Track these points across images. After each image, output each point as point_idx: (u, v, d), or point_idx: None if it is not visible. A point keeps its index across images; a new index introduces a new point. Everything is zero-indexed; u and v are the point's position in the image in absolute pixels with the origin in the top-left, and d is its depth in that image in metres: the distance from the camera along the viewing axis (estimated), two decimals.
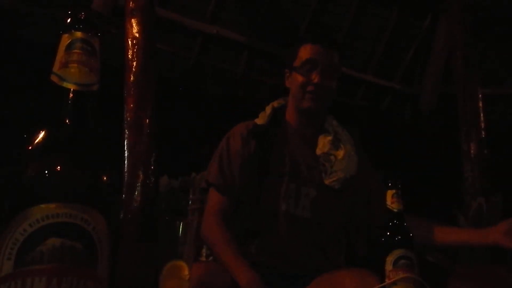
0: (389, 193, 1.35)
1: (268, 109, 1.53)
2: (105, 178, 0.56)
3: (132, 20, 2.22)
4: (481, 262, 2.15)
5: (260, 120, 1.51)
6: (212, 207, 1.41)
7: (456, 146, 2.80)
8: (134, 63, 2.20)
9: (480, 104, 2.82)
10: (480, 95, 2.84)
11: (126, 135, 2.16)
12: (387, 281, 1.23)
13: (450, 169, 2.88)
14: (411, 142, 3.64)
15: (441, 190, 3.22)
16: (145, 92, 2.23)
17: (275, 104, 1.55)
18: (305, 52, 1.45)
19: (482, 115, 2.80)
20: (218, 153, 1.47)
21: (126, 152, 2.14)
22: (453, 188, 2.80)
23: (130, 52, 2.21)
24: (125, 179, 2.12)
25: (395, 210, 1.33)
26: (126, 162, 2.14)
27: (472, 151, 2.72)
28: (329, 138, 1.46)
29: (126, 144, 2.15)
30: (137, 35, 2.21)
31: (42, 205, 0.50)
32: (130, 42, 2.22)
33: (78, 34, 0.56)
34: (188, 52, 3.28)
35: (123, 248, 1.97)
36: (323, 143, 1.46)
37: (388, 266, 1.26)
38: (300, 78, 1.44)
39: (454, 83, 2.96)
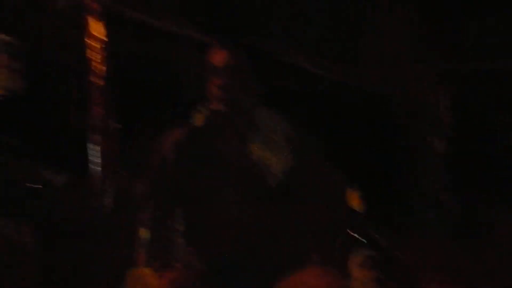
0: (351, 193, 1.37)
1: (204, 110, 1.51)
2: (34, 186, 0.54)
3: (91, 19, 2.17)
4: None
5: (196, 121, 1.50)
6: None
7: (416, 142, 2.83)
8: (99, 66, 2.16)
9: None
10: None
11: (92, 140, 2.12)
12: (351, 279, 1.24)
13: (411, 165, 2.91)
14: (368, 138, 3.60)
15: (399, 187, 3.23)
16: (112, 95, 2.19)
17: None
18: (210, 58, 1.47)
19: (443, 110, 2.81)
20: (152, 159, 1.48)
21: (92, 156, 2.10)
22: (413, 185, 2.83)
23: (94, 54, 2.17)
24: (94, 183, 2.08)
25: (358, 210, 1.35)
26: (93, 166, 2.10)
27: (433, 147, 2.75)
28: (259, 137, 1.45)
29: (93, 148, 2.11)
30: (102, 36, 2.17)
31: None
32: (94, 44, 2.17)
33: (2, 37, 0.54)
34: (149, 51, 3.23)
35: (88, 253, 1.94)
36: (253, 146, 1.44)
37: (352, 265, 1.27)
38: (208, 83, 1.45)
39: None
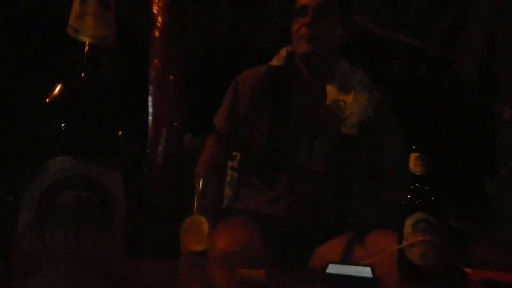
0: (413, 156, 1.34)
1: (284, 51, 1.50)
2: (121, 132, 0.57)
3: None
4: (507, 229, 2.13)
5: (275, 62, 1.49)
6: (209, 150, 1.48)
7: (491, 113, 2.72)
8: (160, 19, 2.17)
9: None
10: None
11: (150, 91, 2.18)
12: (404, 243, 1.24)
13: (484, 135, 2.80)
14: (443, 107, 3.52)
15: (473, 156, 3.14)
16: (171, 48, 2.22)
17: (289, 48, 1.52)
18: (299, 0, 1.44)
19: None
20: (227, 97, 1.50)
21: (150, 108, 2.16)
22: (486, 155, 2.73)
23: (155, 7, 2.18)
24: (149, 135, 2.16)
25: (417, 173, 1.32)
26: (150, 118, 2.17)
27: (505, 116, 2.64)
28: (336, 83, 1.44)
29: (150, 100, 2.17)
30: None
31: (59, 158, 0.51)
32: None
33: None
34: (215, 10, 3.21)
35: (146, 202, 2.04)
36: (331, 91, 1.44)
37: (407, 229, 1.26)
38: (295, 25, 1.44)
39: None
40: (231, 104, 1.47)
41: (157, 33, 2.18)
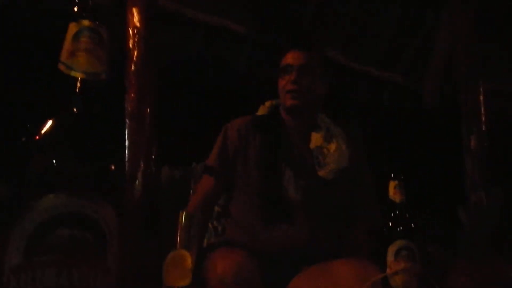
0: (391, 184, 1.36)
1: (268, 103, 1.71)
2: (113, 167, 0.56)
3: (133, 9, 2.20)
4: (481, 254, 2.17)
5: (260, 112, 1.69)
6: (202, 188, 1.62)
7: (458, 140, 2.82)
8: (135, 53, 2.18)
9: (481, 98, 2.83)
10: (481, 89, 2.85)
11: (127, 125, 2.16)
12: (388, 271, 1.24)
13: (453, 162, 2.89)
14: (413, 136, 3.64)
15: (443, 184, 3.23)
16: (146, 82, 2.21)
17: (273, 101, 1.72)
18: (285, 59, 1.64)
19: (483, 108, 2.81)
20: (217, 142, 1.64)
21: (127, 142, 2.13)
22: (455, 182, 2.81)
23: (131, 42, 2.19)
24: (126, 169, 2.12)
25: (397, 201, 1.34)
26: (127, 152, 2.14)
27: (472, 144, 2.74)
28: (321, 133, 1.62)
29: (127, 134, 2.15)
30: (138, 24, 2.19)
31: (51, 196, 0.50)
32: (131, 32, 2.19)
33: (86, 22, 0.55)
34: (190, 43, 3.25)
35: (124, 238, 1.98)
36: (316, 138, 1.61)
37: (390, 257, 1.27)
38: (281, 81, 1.63)
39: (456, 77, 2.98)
40: (222, 146, 1.61)
41: (132, 67, 2.19)
